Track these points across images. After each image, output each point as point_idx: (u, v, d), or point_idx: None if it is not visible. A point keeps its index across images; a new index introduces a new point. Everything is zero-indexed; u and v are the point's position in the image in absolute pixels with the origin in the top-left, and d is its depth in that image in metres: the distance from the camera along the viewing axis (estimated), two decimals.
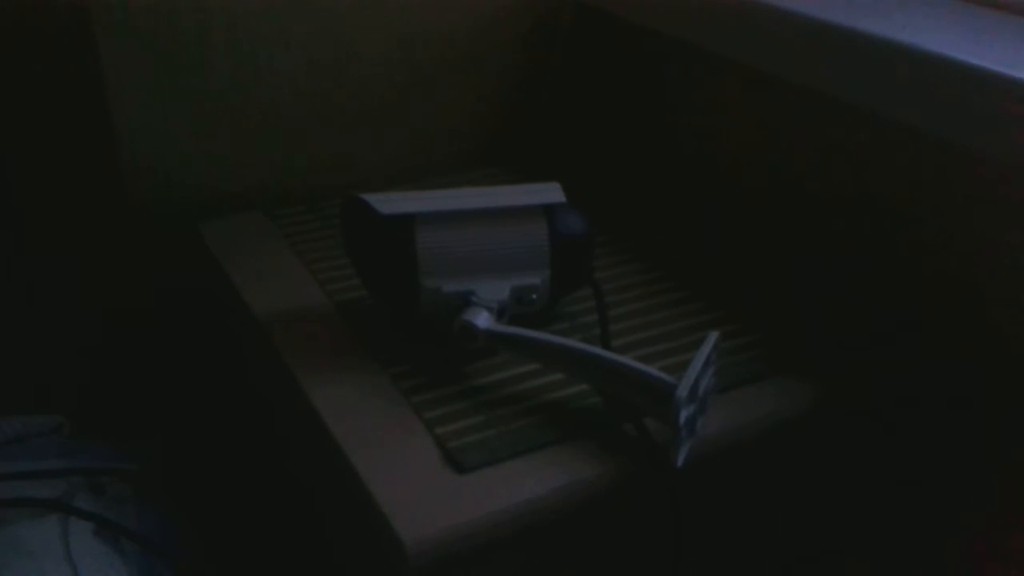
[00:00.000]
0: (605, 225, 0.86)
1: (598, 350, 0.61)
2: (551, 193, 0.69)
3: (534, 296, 0.68)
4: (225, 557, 0.80)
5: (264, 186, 0.90)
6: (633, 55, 0.94)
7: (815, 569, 0.76)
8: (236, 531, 0.84)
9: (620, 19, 0.92)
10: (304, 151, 0.91)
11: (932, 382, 0.70)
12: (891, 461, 0.73)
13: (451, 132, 0.98)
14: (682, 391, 0.56)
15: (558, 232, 0.68)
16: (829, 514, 0.74)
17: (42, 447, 0.76)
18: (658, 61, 0.91)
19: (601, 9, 0.92)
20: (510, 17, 0.95)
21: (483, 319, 0.64)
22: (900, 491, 0.74)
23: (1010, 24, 0.68)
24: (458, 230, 0.67)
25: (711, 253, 0.83)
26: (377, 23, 0.89)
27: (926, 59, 0.62)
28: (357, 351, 0.69)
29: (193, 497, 0.81)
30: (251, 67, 0.85)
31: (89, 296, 0.88)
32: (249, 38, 0.84)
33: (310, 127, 0.90)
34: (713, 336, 0.60)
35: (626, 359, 0.60)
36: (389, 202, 0.67)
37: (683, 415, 0.56)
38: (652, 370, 0.59)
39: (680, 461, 0.58)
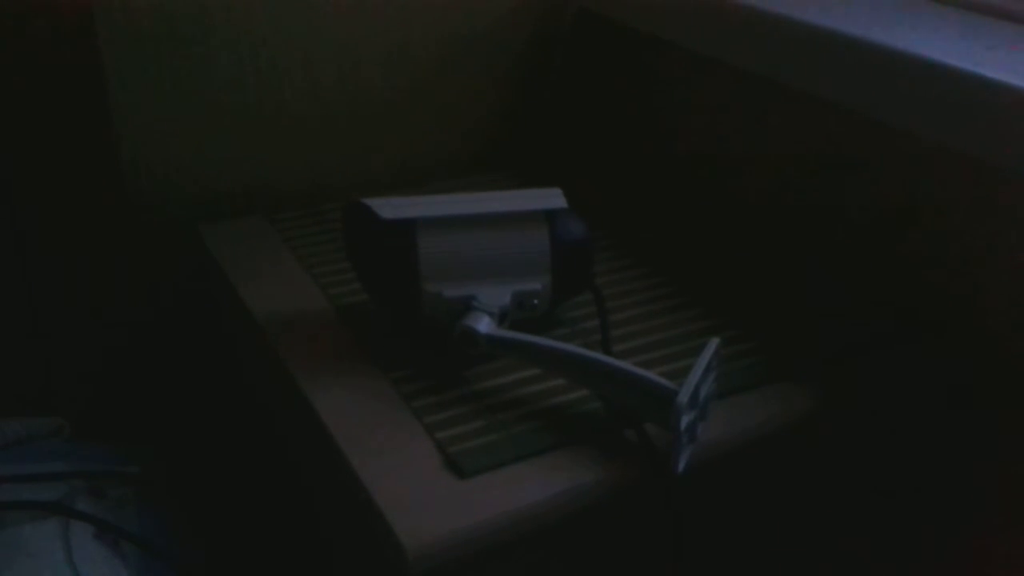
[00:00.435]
0: (606, 230, 0.86)
1: (599, 355, 0.62)
2: (552, 198, 0.69)
3: (535, 301, 0.68)
4: (226, 560, 0.80)
5: (264, 188, 0.90)
6: (633, 60, 0.94)
7: (815, 571, 0.76)
8: (237, 534, 0.84)
9: (620, 24, 0.92)
10: (304, 154, 0.91)
11: (932, 383, 0.70)
12: (891, 465, 0.73)
13: (452, 136, 0.98)
14: (683, 397, 0.56)
15: (559, 237, 0.68)
16: (830, 518, 0.75)
17: (43, 450, 0.76)
18: (658, 66, 0.91)
19: (601, 14, 0.93)
20: (511, 21, 0.95)
21: (484, 324, 0.64)
22: (900, 494, 0.74)
23: (1008, 31, 0.68)
24: (460, 235, 0.67)
25: (712, 258, 0.83)
26: (378, 27, 0.89)
27: (924, 65, 0.62)
28: (358, 355, 0.69)
29: (194, 500, 0.81)
30: (252, 69, 0.85)
31: (89, 298, 0.88)
32: (250, 41, 0.84)
33: (311, 130, 0.90)
34: (714, 342, 0.60)
35: (627, 364, 0.60)
36: (391, 207, 0.67)
37: (684, 421, 0.56)
38: (653, 376, 0.59)
39: (680, 467, 0.58)
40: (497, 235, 0.67)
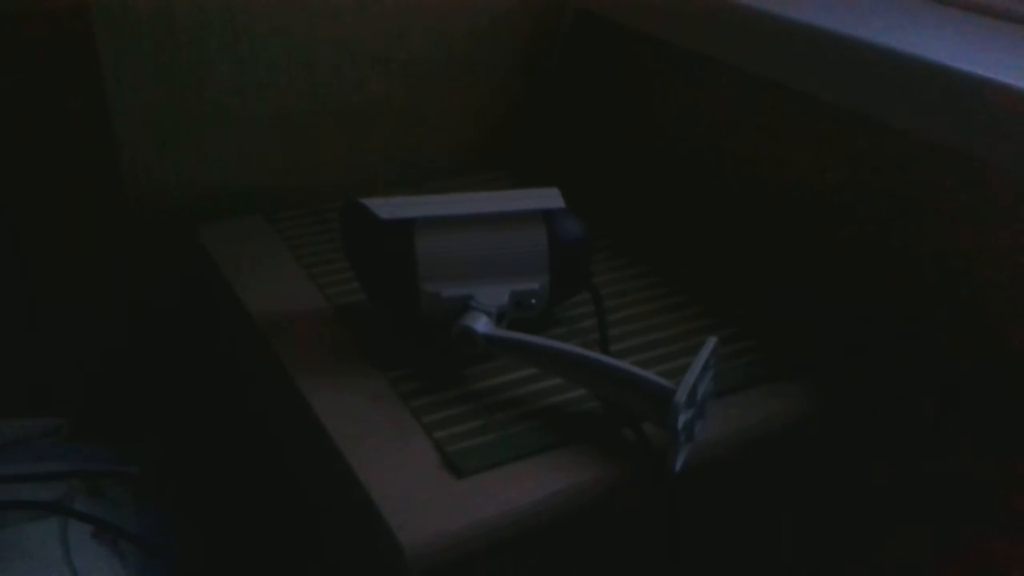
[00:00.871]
0: (604, 230, 0.86)
1: (597, 355, 0.62)
2: (550, 198, 0.69)
3: (533, 301, 0.68)
4: (224, 559, 0.80)
5: (263, 188, 0.91)
6: (631, 59, 0.94)
7: (816, 572, 0.76)
8: (235, 533, 0.84)
9: (618, 24, 0.92)
10: (303, 154, 0.91)
11: (932, 383, 0.70)
12: (890, 464, 0.73)
13: (450, 136, 0.98)
14: (680, 396, 0.56)
15: (557, 237, 0.68)
16: (829, 517, 0.75)
17: (41, 449, 0.76)
18: (655, 65, 0.91)
19: (599, 14, 0.93)
20: (508, 22, 0.95)
21: (482, 324, 0.64)
22: (900, 493, 0.74)
23: (1006, 31, 0.68)
24: (458, 235, 0.67)
25: (710, 257, 0.83)
26: (376, 27, 0.89)
27: (925, 66, 0.62)
28: (356, 355, 0.69)
29: (192, 499, 0.81)
30: (250, 70, 0.85)
31: (88, 298, 0.88)
32: (249, 41, 0.84)
33: (309, 130, 0.90)
34: (711, 341, 0.60)
35: (624, 364, 0.60)
36: (389, 206, 0.67)
37: (681, 420, 0.57)
38: (650, 375, 0.59)
39: (678, 466, 0.58)
40: (495, 235, 0.67)
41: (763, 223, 0.82)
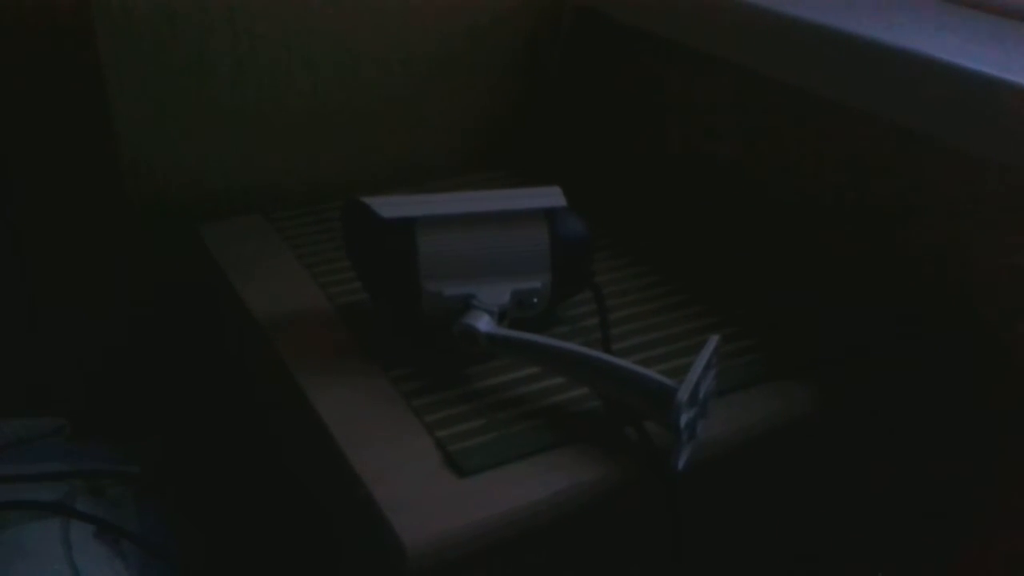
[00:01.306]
0: (606, 229, 0.86)
1: (599, 354, 0.62)
2: (552, 197, 0.69)
3: (535, 300, 0.68)
4: (226, 559, 0.80)
5: (264, 187, 0.90)
6: (631, 58, 0.94)
7: (816, 572, 0.76)
8: (236, 533, 0.84)
9: (618, 22, 0.92)
10: (303, 153, 0.91)
11: (932, 382, 0.70)
12: (891, 463, 0.73)
13: (451, 134, 0.98)
14: (683, 395, 0.56)
15: (559, 236, 0.68)
16: (830, 517, 0.75)
17: (43, 450, 0.76)
18: (656, 64, 0.91)
19: (599, 12, 0.93)
20: (509, 20, 0.95)
21: (484, 323, 0.64)
22: (900, 493, 0.74)
23: (1008, 28, 0.68)
24: (459, 234, 0.67)
25: (711, 256, 0.83)
26: (377, 26, 0.89)
27: (924, 63, 0.62)
28: (358, 354, 0.69)
29: (193, 499, 0.81)
30: (251, 69, 0.85)
31: (88, 298, 0.88)
32: (249, 40, 0.84)
33: (310, 129, 0.90)
34: (714, 340, 0.60)
35: (627, 363, 0.60)
36: (390, 205, 0.67)
37: (684, 419, 0.56)
38: (653, 374, 0.59)
39: (681, 465, 0.58)
40: (497, 233, 0.67)
41: (764, 222, 0.82)
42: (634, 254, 0.83)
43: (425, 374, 0.66)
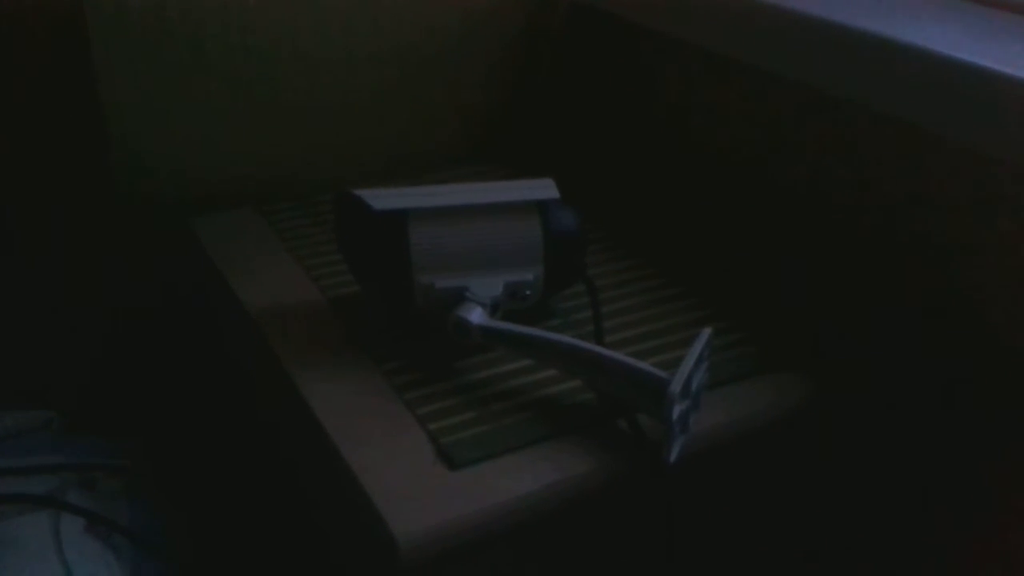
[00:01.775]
0: (598, 221, 0.86)
1: (591, 346, 0.62)
2: (545, 189, 0.69)
3: (528, 292, 0.68)
4: (217, 552, 0.80)
5: (256, 181, 0.90)
6: (625, 52, 0.94)
7: (809, 566, 0.76)
8: (228, 526, 0.84)
9: (612, 16, 0.91)
10: (297, 146, 0.91)
11: (931, 382, 0.70)
12: (887, 460, 0.73)
13: (444, 129, 0.98)
14: (675, 387, 0.56)
15: (552, 228, 0.68)
16: (823, 511, 0.75)
17: (33, 443, 0.76)
18: (650, 58, 0.91)
19: (594, 6, 0.92)
20: (503, 13, 0.95)
21: (476, 315, 0.64)
22: (896, 490, 0.74)
23: (1013, 23, 0.68)
24: (451, 226, 0.67)
25: (705, 250, 0.83)
26: (369, 19, 0.88)
27: (927, 58, 0.62)
28: (350, 347, 0.68)
29: (185, 492, 0.81)
30: (243, 65, 0.85)
31: (82, 293, 0.87)
32: (241, 36, 0.83)
33: (303, 123, 0.90)
34: (706, 332, 0.60)
35: (619, 355, 0.60)
36: (382, 198, 0.67)
37: (676, 411, 0.56)
38: (645, 366, 0.59)
39: (673, 457, 0.58)
40: (489, 226, 0.67)
41: (760, 216, 0.82)
42: (627, 247, 0.83)
43: (417, 367, 0.66)
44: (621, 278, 0.78)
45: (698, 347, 0.59)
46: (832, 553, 0.77)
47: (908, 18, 0.68)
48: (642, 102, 0.93)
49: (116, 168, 0.83)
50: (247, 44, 0.84)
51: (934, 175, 0.67)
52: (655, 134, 0.92)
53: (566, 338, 0.62)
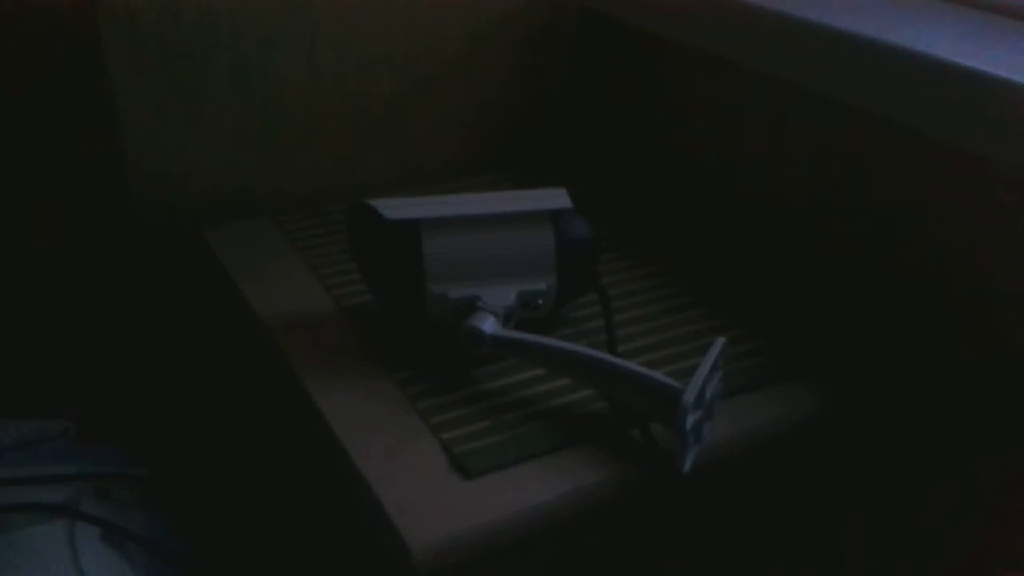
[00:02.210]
0: (611, 230, 0.86)
1: (604, 355, 0.61)
2: (557, 198, 0.69)
3: (540, 301, 0.68)
4: (231, 561, 0.80)
5: (268, 189, 0.90)
6: (636, 59, 0.94)
7: (820, 573, 0.76)
8: (242, 535, 0.84)
9: (623, 23, 0.92)
10: (307, 155, 0.91)
11: (934, 383, 0.69)
12: (896, 465, 0.73)
13: (455, 136, 0.98)
14: (689, 397, 0.56)
15: (564, 238, 0.68)
16: (835, 518, 0.74)
17: (48, 452, 0.76)
18: (661, 65, 0.91)
19: (603, 13, 0.92)
20: (513, 21, 0.95)
21: (489, 324, 0.64)
22: (905, 494, 0.73)
23: (1011, 28, 0.68)
24: (464, 235, 0.67)
25: (717, 258, 0.83)
26: (380, 27, 0.89)
27: (926, 62, 0.62)
28: (363, 356, 0.69)
29: (200, 501, 0.81)
30: (255, 70, 0.85)
31: (94, 300, 0.88)
32: (253, 42, 0.84)
33: (313, 131, 0.90)
34: (720, 342, 0.60)
35: (632, 364, 0.60)
36: (395, 207, 0.67)
37: (690, 421, 0.56)
38: (658, 375, 0.59)
39: (686, 467, 0.58)
40: (502, 235, 0.67)
41: (769, 223, 0.82)
42: (639, 256, 0.83)
43: (430, 376, 0.66)
44: (633, 287, 0.78)
45: (712, 356, 0.59)
46: (842, 557, 0.77)
47: (909, 22, 0.68)
48: (651, 108, 0.93)
49: (129, 176, 0.84)
50: (260, 53, 0.84)
51: (935, 178, 0.67)
52: (666, 141, 0.92)
53: (579, 347, 0.62)
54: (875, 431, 0.71)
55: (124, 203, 0.85)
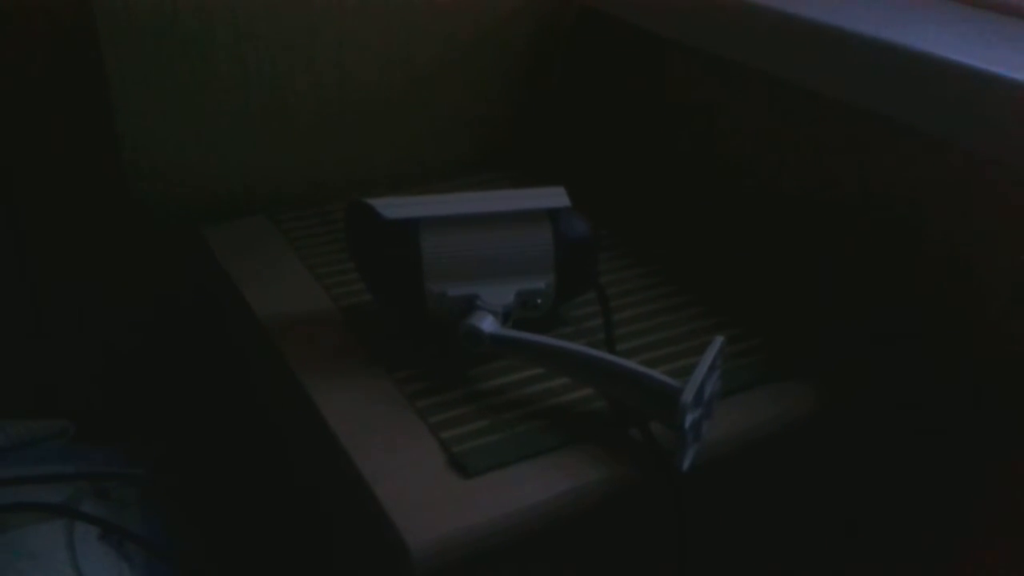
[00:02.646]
0: (610, 229, 0.86)
1: (603, 354, 0.61)
2: (556, 197, 0.69)
3: (539, 300, 0.68)
4: (230, 560, 0.80)
5: (266, 189, 0.90)
6: (635, 58, 0.94)
7: (820, 572, 0.76)
8: (241, 535, 0.84)
9: (622, 22, 0.92)
10: (307, 153, 0.91)
11: (933, 382, 0.69)
12: (894, 463, 0.73)
13: (454, 136, 0.98)
14: (687, 395, 0.56)
15: (563, 236, 0.68)
16: (834, 517, 0.74)
17: (48, 451, 0.76)
18: (660, 64, 0.91)
19: (603, 12, 0.92)
20: (512, 20, 0.95)
21: (488, 323, 0.64)
22: (903, 493, 0.73)
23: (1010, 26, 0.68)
24: (463, 234, 0.67)
25: (715, 257, 0.83)
26: (379, 26, 0.89)
27: (926, 61, 0.62)
28: (362, 355, 0.69)
29: (198, 501, 0.81)
30: (254, 69, 0.85)
31: (93, 299, 0.88)
32: (252, 41, 0.84)
33: (312, 130, 0.90)
34: (718, 340, 0.60)
35: (631, 363, 0.60)
36: (394, 206, 0.67)
37: (688, 419, 0.56)
38: (657, 374, 0.59)
39: (685, 465, 0.58)
40: (500, 234, 0.67)
41: (768, 222, 0.82)
42: (638, 254, 0.83)
43: (429, 375, 0.66)
44: (632, 285, 0.78)
45: (710, 355, 0.59)
46: (840, 556, 0.77)
47: (908, 21, 0.68)
48: (650, 107, 0.93)
49: (127, 174, 0.84)
50: (259, 53, 0.84)
51: (936, 178, 0.67)
52: (664, 140, 0.92)
53: (578, 346, 0.62)
54: (874, 430, 0.71)
55: (123, 203, 0.85)
